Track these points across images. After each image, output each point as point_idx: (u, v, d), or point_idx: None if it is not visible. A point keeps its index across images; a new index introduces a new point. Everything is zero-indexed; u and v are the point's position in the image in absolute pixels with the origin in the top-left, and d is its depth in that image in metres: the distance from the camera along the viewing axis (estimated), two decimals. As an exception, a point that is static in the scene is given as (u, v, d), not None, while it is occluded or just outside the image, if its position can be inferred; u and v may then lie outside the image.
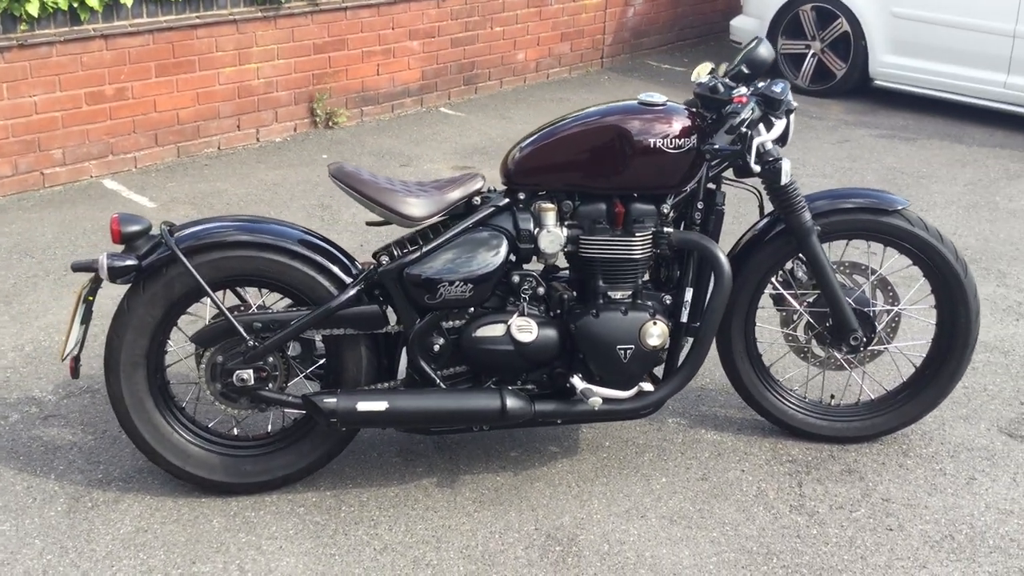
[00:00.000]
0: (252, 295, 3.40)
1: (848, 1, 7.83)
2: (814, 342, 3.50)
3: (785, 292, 3.45)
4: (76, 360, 3.16)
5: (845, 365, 3.52)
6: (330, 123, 7.00)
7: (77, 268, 3.09)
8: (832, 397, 3.65)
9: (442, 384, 3.19)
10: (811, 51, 8.15)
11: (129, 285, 3.11)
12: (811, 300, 3.46)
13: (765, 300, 3.51)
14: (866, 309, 3.39)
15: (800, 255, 3.40)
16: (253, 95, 6.57)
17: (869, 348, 3.43)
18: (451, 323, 3.18)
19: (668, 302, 3.27)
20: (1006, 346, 4.24)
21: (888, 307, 3.46)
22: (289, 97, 6.77)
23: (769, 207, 3.41)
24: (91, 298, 3.11)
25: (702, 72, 3.41)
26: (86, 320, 3.14)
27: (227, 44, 6.33)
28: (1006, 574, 2.96)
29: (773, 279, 3.45)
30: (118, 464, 3.41)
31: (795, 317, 3.51)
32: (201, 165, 6.31)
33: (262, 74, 6.57)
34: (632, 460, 3.46)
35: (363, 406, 3.04)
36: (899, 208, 3.34)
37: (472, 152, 6.63)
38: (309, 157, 6.49)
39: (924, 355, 3.54)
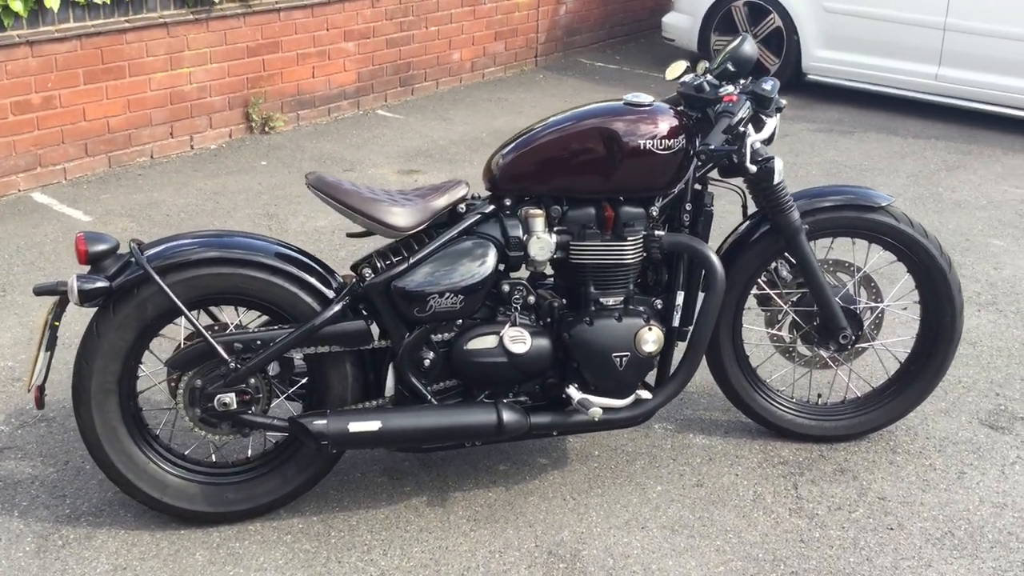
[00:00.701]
0: (226, 314, 3.23)
1: (780, -4, 7.90)
2: (800, 341, 3.47)
3: (772, 292, 3.41)
4: (41, 390, 2.96)
5: (831, 363, 3.49)
6: (266, 128, 6.79)
7: (40, 292, 2.90)
8: (819, 396, 3.63)
9: (433, 400, 3.06)
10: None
11: (96, 308, 2.91)
12: (795, 299, 3.43)
13: (749, 301, 3.47)
14: (852, 307, 3.36)
15: (785, 254, 3.36)
16: (186, 101, 6.34)
17: (855, 346, 3.41)
18: (440, 336, 3.06)
19: (659, 307, 3.19)
20: (972, 337, 4.28)
21: (872, 304, 3.44)
22: (223, 102, 6.54)
23: (752, 207, 3.36)
24: (56, 323, 2.92)
25: (676, 71, 3.35)
26: (51, 347, 2.94)
27: (158, 48, 6.09)
28: (1009, 568, 2.96)
29: (759, 279, 3.40)
30: (85, 497, 3.21)
31: (780, 317, 3.47)
32: (135, 175, 6.05)
33: (195, 79, 6.34)
34: (624, 469, 3.38)
35: (355, 426, 2.90)
36: (884, 204, 3.32)
37: (415, 155, 6.50)
38: (248, 164, 6.29)
39: (909, 351, 3.53)
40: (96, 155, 5.99)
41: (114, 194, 5.76)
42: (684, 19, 8.47)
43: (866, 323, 3.40)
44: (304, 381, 3.13)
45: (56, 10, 5.52)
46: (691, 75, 3.24)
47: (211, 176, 6.08)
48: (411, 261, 2.98)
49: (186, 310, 2.87)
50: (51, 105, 5.69)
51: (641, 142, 3.02)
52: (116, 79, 5.94)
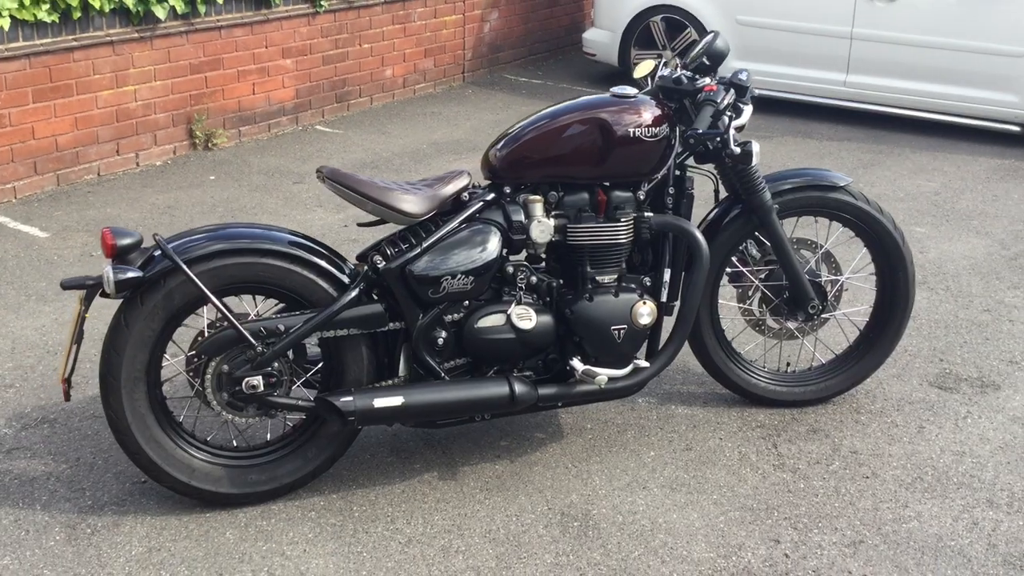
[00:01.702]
0: (234, 304, 3.36)
1: (695, 12, 8.31)
2: (769, 315, 3.76)
3: (744, 269, 3.70)
4: (68, 382, 3.06)
5: (797, 334, 3.79)
6: (209, 144, 6.87)
7: (68, 286, 3.00)
8: (788, 365, 3.92)
9: (446, 377, 3.25)
10: (663, 60, 8.56)
11: (123, 300, 3.03)
12: (764, 275, 3.72)
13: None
14: (818, 280, 3.67)
15: (756, 233, 3.65)
16: (132, 118, 6.39)
17: (820, 316, 3.71)
18: (451, 316, 3.25)
19: (648, 283, 3.44)
20: (912, 312, 4.63)
21: (834, 277, 3.75)
22: (167, 119, 6.60)
23: (723, 192, 3.64)
24: (86, 315, 3.02)
25: (644, 69, 3.63)
26: (78, 339, 3.04)
27: (104, 67, 6.13)
28: (976, 505, 3.28)
29: (733, 258, 3.68)
30: (104, 490, 3.30)
31: (751, 292, 3.76)
32: (84, 192, 6.07)
33: (140, 96, 6.39)
34: (617, 438, 3.61)
35: (380, 402, 3.07)
36: (843, 184, 3.63)
37: (362, 167, 6.65)
38: (196, 179, 6.36)
39: (867, 319, 3.85)
40: (44, 173, 6.00)
41: (67, 211, 5.78)
42: (604, 35, 8.81)
43: (829, 295, 3.71)
44: (320, 366, 3.28)
45: (6, 29, 5.54)
46: (667, 69, 3.51)
47: (162, 191, 6.14)
48: (424, 246, 3.17)
49: (214, 298, 3.00)
50: (1, 124, 5.69)
51: (630, 130, 3.27)
52: (64, 97, 5.96)
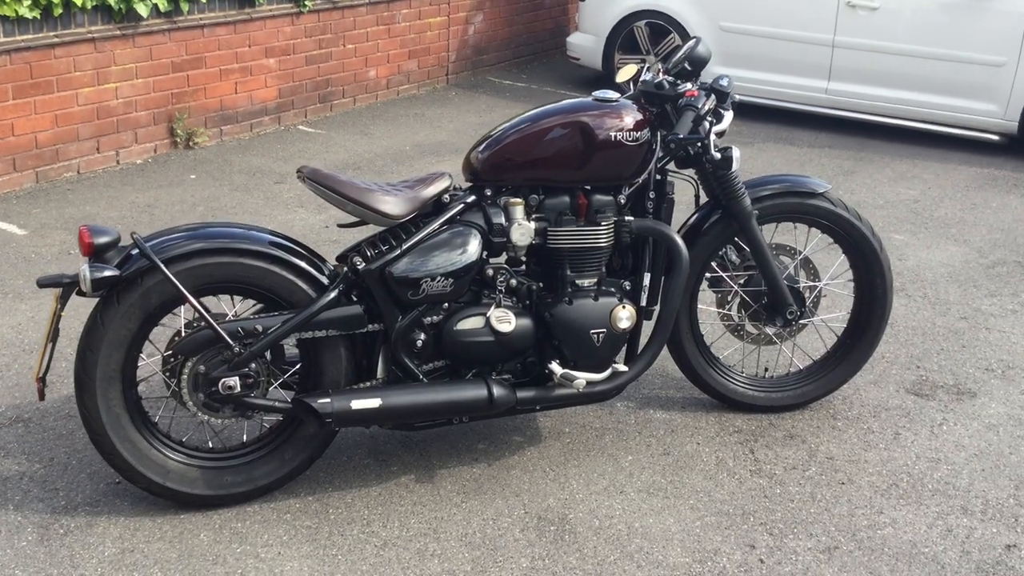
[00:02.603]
0: (212, 304, 3.34)
1: (679, 18, 8.33)
2: (748, 320, 3.77)
3: (723, 275, 3.70)
4: (42, 381, 3.03)
5: (775, 340, 3.80)
6: (190, 143, 6.84)
7: (44, 284, 2.98)
8: (766, 370, 3.93)
9: (424, 379, 3.24)
10: (646, 65, 8.57)
11: (99, 298, 3.01)
12: (743, 281, 3.73)
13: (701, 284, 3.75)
14: (796, 286, 3.68)
15: (736, 239, 3.66)
16: (112, 116, 6.35)
17: (798, 322, 3.72)
18: (430, 318, 3.24)
19: (628, 288, 3.45)
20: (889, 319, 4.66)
21: (812, 283, 3.76)
22: (148, 117, 6.57)
23: (703, 197, 3.65)
24: (62, 313, 3.00)
25: (627, 73, 3.64)
26: (54, 338, 3.02)
27: (85, 64, 6.10)
28: (950, 512, 3.29)
29: (713, 263, 3.69)
30: (78, 490, 3.27)
31: (730, 298, 3.77)
32: (63, 190, 6.04)
33: (121, 94, 6.36)
34: (595, 442, 3.61)
35: (358, 404, 3.06)
36: (822, 191, 3.65)
37: (344, 167, 6.64)
38: (176, 178, 6.33)
39: (845, 326, 3.87)
40: (24, 170, 5.96)
41: (45, 208, 5.74)
42: (588, 39, 8.83)
43: (807, 301, 3.72)
44: (298, 367, 3.26)
45: (-14, 24, 5.51)
46: (649, 74, 3.52)
47: (142, 190, 6.11)
48: (404, 248, 3.16)
49: (192, 298, 2.98)
50: (-21, 120, 5.66)
51: (611, 134, 3.27)
52: (44, 94, 5.93)
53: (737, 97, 3.45)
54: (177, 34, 6.56)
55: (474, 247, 3.21)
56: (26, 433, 3.57)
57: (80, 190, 6.05)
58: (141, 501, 3.20)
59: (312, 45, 7.50)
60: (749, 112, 8.22)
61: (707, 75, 3.45)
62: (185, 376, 3.06)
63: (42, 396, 3.05)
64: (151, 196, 6.00)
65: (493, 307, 3.25)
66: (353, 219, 3.27)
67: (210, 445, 3.29)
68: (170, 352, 3.10)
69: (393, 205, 3.16)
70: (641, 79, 3.51)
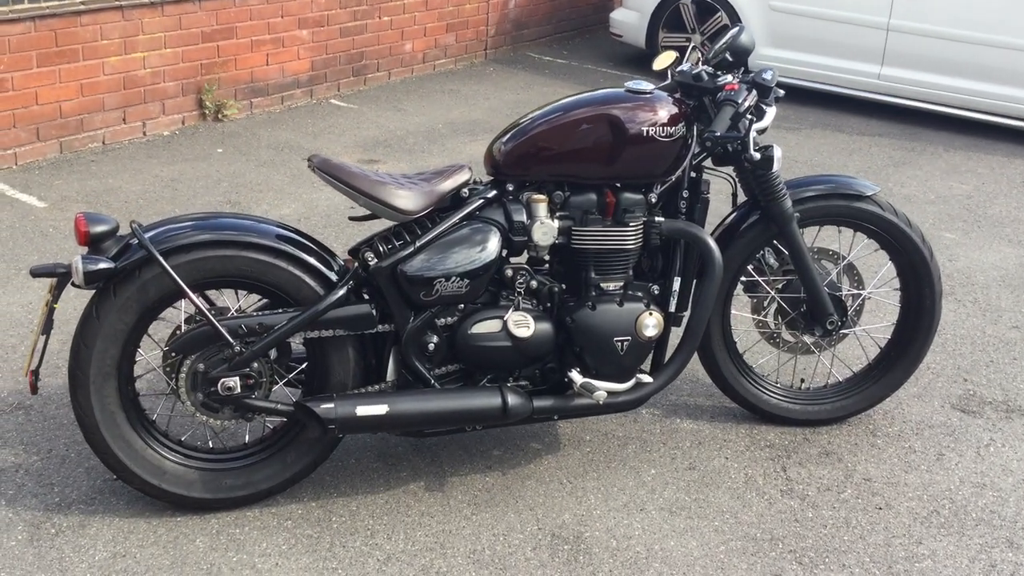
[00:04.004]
0: (226, 298, 3.18)
1: (728, -5, 8.03)
2: (785, 328, 3.55)
3: (760, 279, 3.48)
4: (35, 374, 2.89)
5: (814, 349, 3.58)
6: (219, 115, 6.69)
7: (37, 273, 2.82)
8: (802, 381, 3.71)
9: (436, 384, 3.06)
10: (691, 44, 8.29)
11: (96, 291, 2.85)
12: (781, 286, 3.51)
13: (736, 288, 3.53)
14: (838, 294, 3.45)
15: (773, 242, 3.43)
16: (139, 86, 6.21)
17: (839, 332, 3.49)
18: (444, 320, 3.06)
19: (656, 292, 3.24)
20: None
21: (855, 291, 3.53)
22: (177, 88, 6.42)
23: (741, 196, 3.43)
24: (55, 305, 2.85)
25: (665, 61, 3.40)
26: (47, 330, 2.87)
27: (112, 32, 5.95)
28: (995, 544, 3.07)
29: (749, 266, 3.47)
30: (74, 486, 3.14)
31: (766, 303, 3.54)
32: (87, 161, 5.91)
33: (148, 64, 6.21)
34: (617, 453, 3.42)
35: (363, 410, 2.89)
36: (870, 194, 3.41)
37: (374, 145, 6.46)
38: (203, 152, 6.18)
39: (889, 337, 3.63)
40: (47, 140, 5.84)
41: (67, 180, 5.62)
42: (632, 15, 8.55)
43: (849, 310, 3.49)
44: (304, 366, 3.10)
45: (10, -10, 5.37)
46: (687, 64, 3.29)
47: (167, 163, 5.97)
48: (417, 245, 2.97)
49: (191, 293, 2.82)
50: (3, 88, 5.53)
51: (643, 129, 3.05)
52: (69, 62, 5.79)
53: (781, 93, 3.20)
54: (208, 3, 6.39)
55: (493, 246, 3.02)
56: (26, 421, 3.44)
57: (104, 162, 5.92)
58: (137, 500, 3.06)
59: (347, 16, 7.30)
60: (797, 96, 7.91)
61: (758, 59, 3.20)
62: (183, 374, 2.90)
63: (34, 390, 2.91)
64: (176, 170, 5.86)
65: (511, 310, 3.06)
66: (365, 212, 3.08)
67: (210, 445, 3.14)
68: (169, 348, 2.94)
69: (407, 200, 2.97)
70: (678, 69, 3.28)
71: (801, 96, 7.89)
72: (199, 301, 2.84)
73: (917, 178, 6.39)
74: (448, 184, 3.04)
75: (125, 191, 5.52)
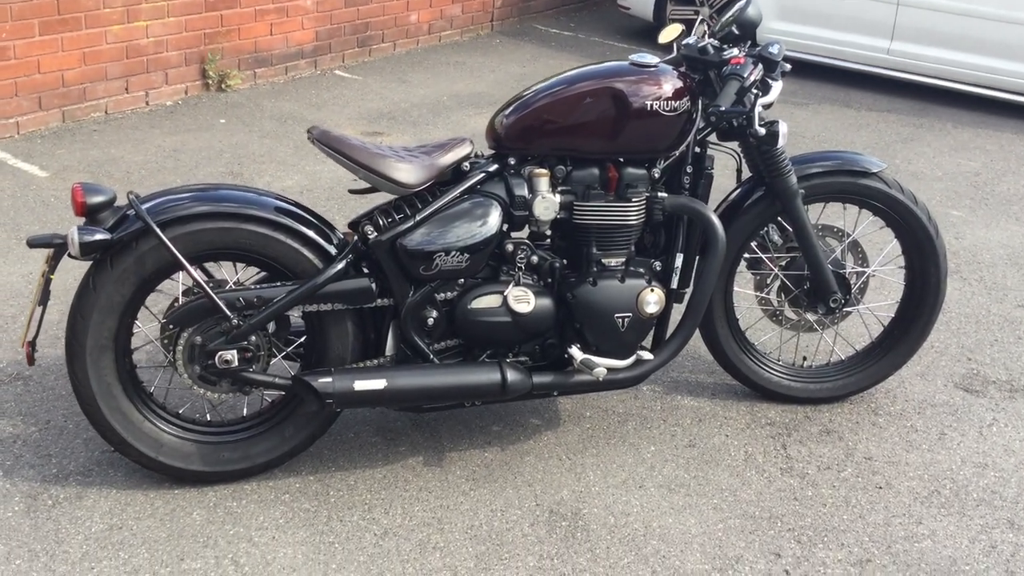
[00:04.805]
0: (223, 270, 3.16)
1: (736, -33, 7.92)
2: (788, 305, 3.52)
3: (763, 256, 3.45)
4: (32, 345, 2.88)
5: (816, 327, 3.55)
6: (223, 86, 6.65)
7: (34, 244, 2.80)
8: (804, 359, 3.68)
9: (435, 359, 3.04)
10: (700, 17, 8.21)
11: (93, 262, 2.83)
12: (785, 263, 3.47)
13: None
14: (842, 271, 3.42)
15: (777, 219, 3.40)
16: (142, 55, 6.17)
17: (843, 309, 3.46)
18: (443, 295, 3.04)
19: (658, 268, 3.21)
20: (940, 304, 4.38)
21: (860, 269, 3.50)
22: (180, 57, 6.38)
23: (746, 172, 3.39)
24: (52, 276, 2.83)
25: (671, 34, 3.36)
26: (44, 301, 2.85)
27: (115, 0, 5.90)
28: (995, 525, 3.05)
29: (752, 243, 3.43)
30: (72, 457, 3.13)
31: (769, 280, 3.51)
32: (89, 130, 5.88)
33: (152, 33, 6.17)
34: (616, 429, 3.40)
35: (361, 385, 2.87)
36: (876, 171, 3.37)
37: (378, 117, 6.42)
38: (206, 122, 6.15)
39: (893, 315, 3.60)
40: (50, 109, 5.81)
41: (69, 149, 5.60)
42: (640, -13, 8.47)
43: (853, 288, 3.46)
44: (302, 340, 3.08)
45: (11, -44, 5.32)
46: (692, 37, 3.24)
47: (169, 133, 5.93)
48: (417, 218, 2.95)
49: (188, 265, 2.80)
50: (5, 56, 5.50)
51: (647, 103, 3.01)
52: (72, 31, 5.75)
53: (788, 67, 3.16)
54: (211, -28, 6.34)
55: (493, 220, 2.99)
56: (25, 392, 3.44)
57: (107, 131, 5.89)
58: (135, 472, 3.06)
59: (352, -14, 7.24)
60: (806, 71, 7.85)
61: (766, 32, 3.15)
62: (180, 347, 2.88)
63: (31, 361, 2.89)
64: (178, 140, 5.83)
65: (511, 285, 3.04)
66: (365, 184, 3.05)
67: (208, 418, 3.13)
68: (166, 320, 2.93)
69: (407, 173, 2.93)
70: (684, 42, 3.23)
71: (809, 71, 7.82)
72: (196, 273, 2.82)
73: (925, 155, 6.34)
74: (449, 157, 3.00)
75: (127, 161, 5.49)
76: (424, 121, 6.38)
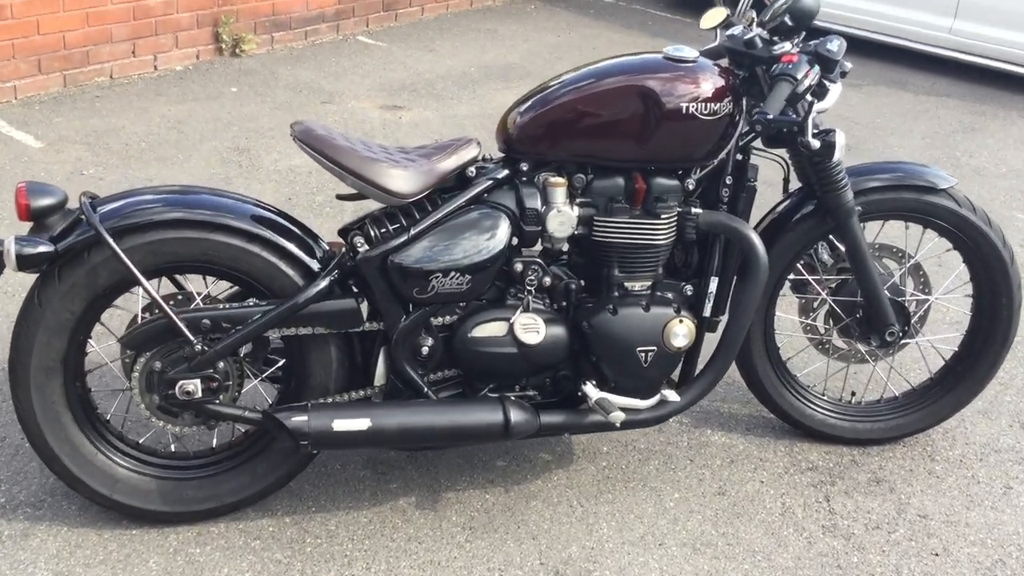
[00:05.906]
0: (192, 283, 2.79)
1: (791, -66, 7.39)
2: (836, 333, 3.10)
3: (811, 278, 3.03)
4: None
5: (868, 359, 3.13)
6: (237, 51, 6.26)
7: (-37, 252, 2.43)
8: (852, 395, 3.27)
9: (430, 392, 2.66)
10: (742, 4, 7.69)
11: (39, 274, 2.47)
12: (834, 286, 3.05)
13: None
14: (901, 299, 2.99)
15: (830, 236, 2.98)
16: (150, 16, 5.79)
17: (899, 341, 3.04)
18: (441, 320, 2.65)
19: (689, 293, 2.80)
20: (1005, 325, 3.92)
21: (921, 296, 3.07)
22: (191, 19, 5.99)
23: (794, 181, 2.96)
24: (-9, 289, 2.47)
25: (714, 18, 2.91)
26: (-16, 314, 2.50)
27: (120, -43, 5.52)
28: (1069, 607, 2.64)
29: (799, 263, 3.01)
30: (23, 484, 2.80)
31: (816, 305, 3.10)
32: (92, 97, 5.53)
33: (160, -7, 5.78)
34: (637, 470, 3.02)
35: (341, 425, 2.50)
36: (945, 187, 2.93)
37: (399, 89, 6.01)
38: (216, 90, 5.77)
39: (956, 348, 3.18)
40: (50, 73, 5.46)
41: (68, 117, 5.25)
42: (687, -47, 7.96)
43: (913, 317, 3.04)
44: (282, 363, 2.71)
45: (6, -91, 4.94)
46: (738, 27, 2.80)
47: (175, 101, 5.57)
48: (412, 232, 2.55)
49: (145, 281, 2.43)
50: (1, 16, 5.14)
51: (682, 104, 2.59)
52: (73, -11, 5.38)
53: (848, 67, 2.72)
54: (225, -72, 5.93)
55: (500, 236, 2.59)
56: (-18, 402, 3.10)
57: (110, 98, 5.53)
58: (91, 506, 2.71)
59: (378, -53, 6.81)
60: (860, 48, 7.31)
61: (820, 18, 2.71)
62: (137, 374, 2.52)
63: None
64: (184, 110, 5.46)
65: (519, 311, 2.64)
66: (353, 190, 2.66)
67: (172, 449, 2.77)
68: (122, 342, 2.56)
69: (402, 180, 2.54)
70: (728, 33, 2.79)
71: (864, 48, 7.30)
72: (154, 291, 2.45)
73: (988, 147, 5.84)
74: (452, 162, 2.60)
75: (128, 132, 5.14)
76: (448, 95, 5.97)
